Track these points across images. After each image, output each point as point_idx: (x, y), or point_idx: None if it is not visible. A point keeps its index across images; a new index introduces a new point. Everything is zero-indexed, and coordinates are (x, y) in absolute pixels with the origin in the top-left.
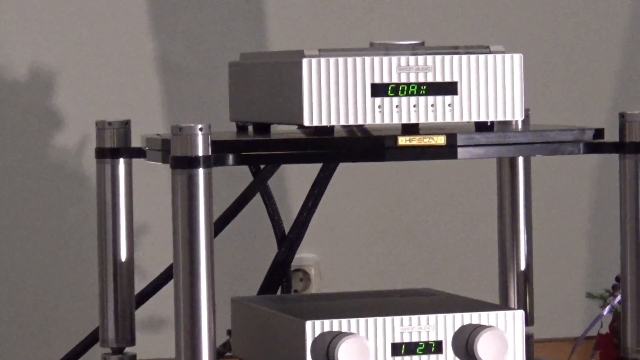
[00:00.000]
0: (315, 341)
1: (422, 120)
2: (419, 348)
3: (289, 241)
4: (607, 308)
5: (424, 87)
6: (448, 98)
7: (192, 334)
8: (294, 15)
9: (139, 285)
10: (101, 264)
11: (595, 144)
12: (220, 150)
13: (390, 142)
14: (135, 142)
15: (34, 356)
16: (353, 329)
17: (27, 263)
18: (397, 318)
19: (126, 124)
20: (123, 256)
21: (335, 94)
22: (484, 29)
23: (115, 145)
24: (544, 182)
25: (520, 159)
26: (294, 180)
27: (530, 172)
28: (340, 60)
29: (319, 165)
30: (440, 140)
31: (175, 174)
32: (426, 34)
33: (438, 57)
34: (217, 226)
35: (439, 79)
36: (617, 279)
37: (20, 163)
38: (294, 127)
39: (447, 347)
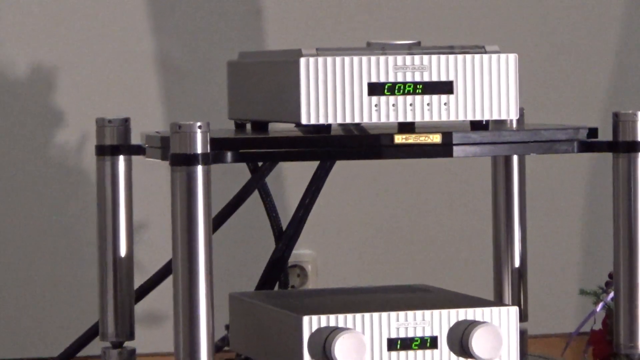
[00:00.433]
0: (312, 336)
1: (418, 119)
2: (415, 343)
3: (286, 238)
4: (600, 305)
5: (420, 86)
6: (444, 97)
7: (190, 328)
8: (292, 15)
9: (139, 281)
10: (101, 259)
11: (589, 143)
12: (218, 148)
13: (387, 140)
14: (135, 140)
15: (34, 349)
16: (349, 325)
17: (28, 259)
18: (393, 314)
19: (126, 122)
20: (123, 252)
21: (332, 92)
22: (479, 29)
23: (115, 143)
24: (538, 180)
25: (515, 158)
26: (291, 177)
27: (525, 170)
28: (338, 59)
29: (316, 163)
30: (436, 138)
31: (175, 171)
32: (422, 34)
33: (434, 57)
34: (216, 222)
35: (435, 79)
36: (610, 276)
37: (21, 160)
38: (292, 126)
39: (442, 343)
